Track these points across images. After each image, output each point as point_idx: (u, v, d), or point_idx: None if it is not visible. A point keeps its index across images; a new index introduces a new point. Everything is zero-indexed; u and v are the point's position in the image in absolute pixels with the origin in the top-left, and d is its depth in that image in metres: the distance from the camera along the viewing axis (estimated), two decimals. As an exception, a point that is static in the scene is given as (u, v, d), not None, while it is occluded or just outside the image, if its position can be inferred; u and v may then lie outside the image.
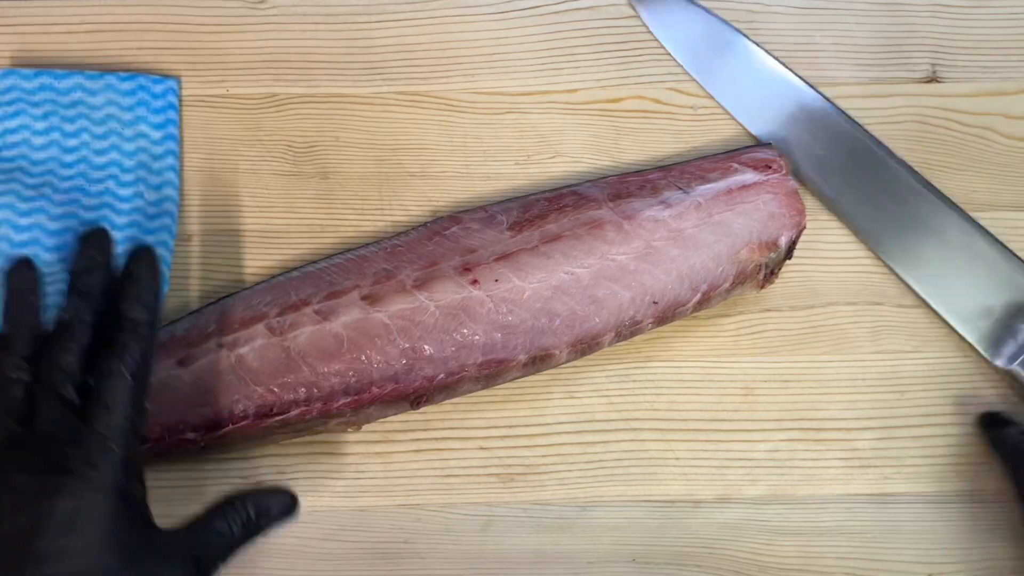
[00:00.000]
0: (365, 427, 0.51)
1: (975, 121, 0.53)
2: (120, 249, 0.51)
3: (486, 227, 0.49)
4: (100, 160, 0.51)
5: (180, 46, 0.53)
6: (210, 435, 0.47)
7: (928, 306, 0.52)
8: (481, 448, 0.52)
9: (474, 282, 0.47)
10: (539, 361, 0.49)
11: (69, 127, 0.51)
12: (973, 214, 0.52)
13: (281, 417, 0.47)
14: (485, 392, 0.51)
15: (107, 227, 0.48)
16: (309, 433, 0.49)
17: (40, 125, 0.51)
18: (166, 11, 0.53)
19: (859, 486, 0.51)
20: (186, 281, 0.52)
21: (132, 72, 0.52)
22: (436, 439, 0.51)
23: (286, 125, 0.53)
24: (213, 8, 0.53)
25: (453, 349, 0.47)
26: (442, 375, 0.47)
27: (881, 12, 0.54)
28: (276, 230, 0.52)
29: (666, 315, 0.49)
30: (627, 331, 0.49)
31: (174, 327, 0.49)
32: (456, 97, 0.53)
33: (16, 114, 0.51)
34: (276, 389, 0.47)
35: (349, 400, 0.47)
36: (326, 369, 0.47)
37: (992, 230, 0.52)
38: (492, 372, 0.48)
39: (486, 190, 0.52)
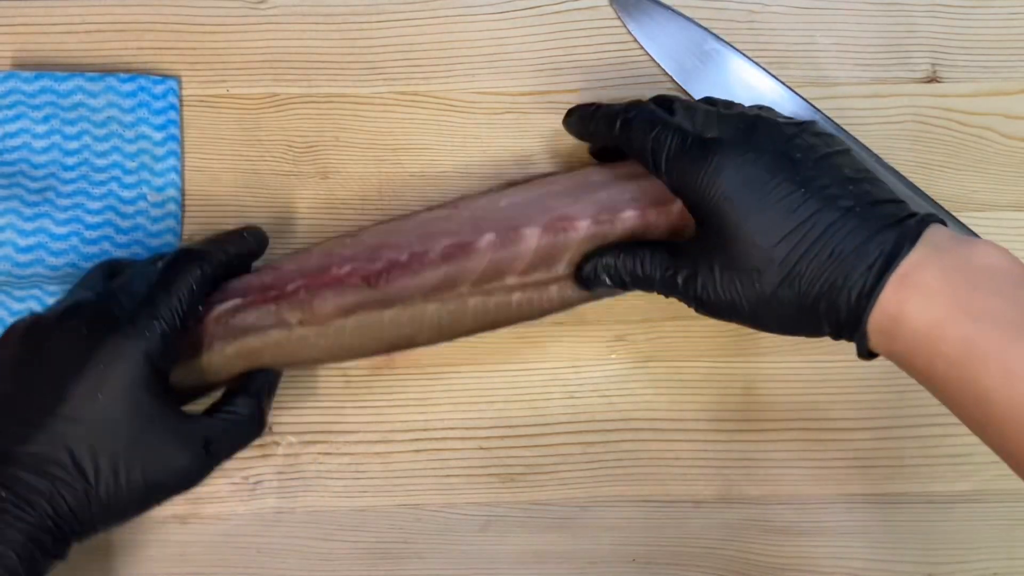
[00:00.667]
0: (365, 428, 0.51)
1: (975, 121, 0.53)
2: (125, 252, 0.51)
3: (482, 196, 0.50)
4: (102, 162, 0.51)
5: (180, 46, 0.53)
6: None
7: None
8: (481, 448, 0.52)
9: (455, 206, 0.48)
10: (507, 244, 0.46)
11: (70, 129, 0.51)
12: (973, 214, 0.52)
13: (238, 294, 0.46)
14: (485, 392, 0.51)
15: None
16: (270, 327, 0.47)
17: (41, 128, 0.51)
18: (166, 11, 0.53)
19: (859, 486, 0.51)
20: (186, 281, 0.52)
21: (132, 73, 0.52)
22: (436, 439, 0.52)
23: (286, 125, 0.53)
24: (213, 8, 0.53)
25: (419, 237, 0.47)
26: (405, 256, 0.46)
27: (881, 12, 0.54)
28: (276, 230, 0.52)
29: (647, 203, 0.46)
30: (606, 215, 0.46)
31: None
32: (456, 97, 0.53)
33: (17, 117, 0.51)
34: (250, 287, 0.47)
35: (303, 282, 0.47)
36: (292, 263, 0.48)
37: (992, 230, 0.52)
38: (457, 255, 0.46)
39: (486, 190, 0.52)
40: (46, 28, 0.53)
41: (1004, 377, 0.35)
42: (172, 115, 0.52)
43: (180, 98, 0.52)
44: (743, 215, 0.40)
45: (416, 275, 0.46)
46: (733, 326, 0.51)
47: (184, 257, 0.45)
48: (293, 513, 0.51)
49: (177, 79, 0.52)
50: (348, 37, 0.53)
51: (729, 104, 0.46)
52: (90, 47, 0.53)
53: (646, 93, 0.53)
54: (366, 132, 0.53)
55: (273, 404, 0.47)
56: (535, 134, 0.53)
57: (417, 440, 0.51)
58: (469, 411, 0.52)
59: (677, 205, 0.45)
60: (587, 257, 0.46)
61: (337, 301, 0.47)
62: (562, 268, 0.47)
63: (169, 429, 0.43)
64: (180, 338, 0.44)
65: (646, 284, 0.45)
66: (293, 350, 0.47)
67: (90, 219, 0.51)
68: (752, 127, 0.42)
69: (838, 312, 0.39)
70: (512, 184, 0.50)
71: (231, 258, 0.47)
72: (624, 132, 0.45)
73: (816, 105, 0.52)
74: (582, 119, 0.49)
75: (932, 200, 0.52)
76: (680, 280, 0.43)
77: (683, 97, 0.47)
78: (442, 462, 0.51)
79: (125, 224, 0.51)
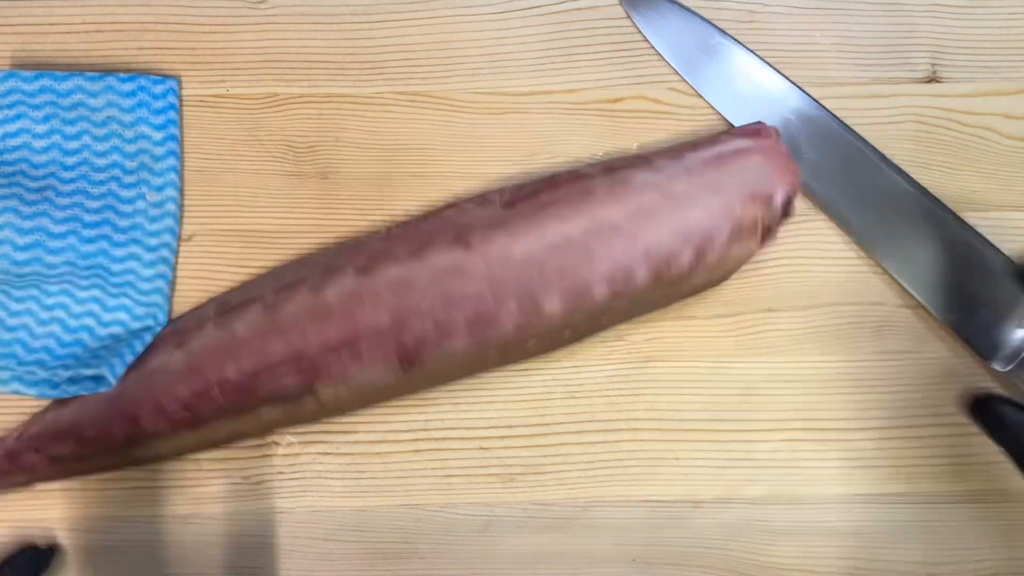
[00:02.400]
0: (365, 428, 0.51)
1: (975, 121, 0.53)
2: (123, 251, 0.51)
3: (480, 207, 0.49)
4: (102, 162, 0.51)
5: (180, 46, 0.53)
6: (201, 408, 0.47)
7: (925, 308, 0.52)
8: (481, 448, 0.52)
9: (467, 246, 0.47)
10: (532, 315, 0.47)
11: (70, 129, 0.51)
12: (973, 214, 0.52)
13: (270, 385, 0.47)
14: (486, 391, 0.51)
15: None
16: (297, 406, 0.48)
17: (41, 128, 0.51)
18: (166, 11, 0.53)
19: (859, 486, 0.51)
20: (187, 281, 0.52)
21: (132, 72, 0.52)
22: (436, 439, 0.51)
23: (286, 125, 0.53)
24: (213, 8, 0.53)
25: (443, 303, 0.47)
26: (431, 328, 0.47)
27: (881, 12, 0.54)
28: (276, 230, 0.52)
29: (661, 269, 0.48)
30: (622, 284, 0.47)
31: (176, 322, 0.50)
32: (456, 97, 0.53)
33: (17, 117, 0.51)
34: (263, 352, 0.47)
35: (337, 360, 0.47)
36: (314, 332, 0.47)
37: (992, 230, 0.52)
38: (484, 327, 0.47)
39: (486, 190, 0.52)
40: (46, 28, 0.53)
41: None
42: (172, 115, 0.52)
43: (180, 98, 0.52)
44: None
45: (444, 349, 0.47)
46: (733, 326, 0.52)
47: None
48: (293, 513, 0.51)
49: (177, 79, 0.52)
50: (348, 37, 0.53)
51: None
52: (90, 47, 0.53)
53: (646, 93, 0.53)
54: (366, 132, 0.53)
55: None
56: (535, 134, 0.53)
57: (417, 440, 0.51)
58: (469, 411, 0.52)
59: (686, 257, 0.47)
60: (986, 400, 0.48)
61: (370, 377, 0.48)
62: (580, 320, 0.48)
63: None
64: None
65: None
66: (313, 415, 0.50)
67: (88, 218, 0.51)
68: None
69: None
70: (516, 196, 0.49)
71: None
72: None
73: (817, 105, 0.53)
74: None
75: (933, 196, 0.52)
76: None
77: None
78: (442, 462, 0.51)
79: (123, 224, 0.51)
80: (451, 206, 0.50)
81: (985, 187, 0.53)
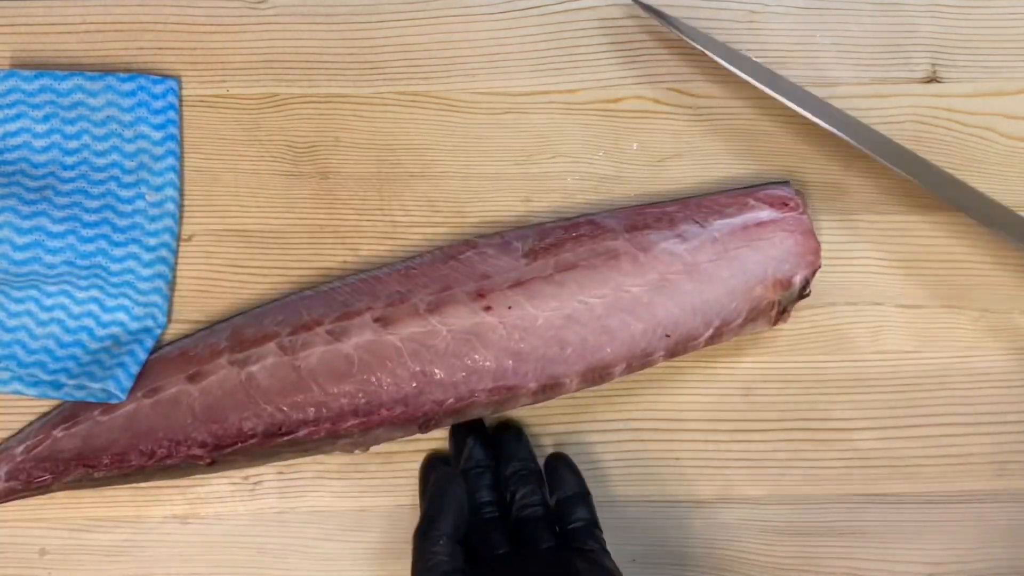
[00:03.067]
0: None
1: (975, 121, 0.53)
2: (122, 251, 0.51)
3: (501, 253, 0.49)
4: (101, 161, 0.51)
5: (180, 46, 0.53)
6: (218, 452, 0.47)
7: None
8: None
9: (487, 308, 0.47)
10: (549, 389, 0.48)
11: (70, 128, 0.51)
12: (973, 214, 0.53)
13: (290, 437, 0.47)
14: (485, 392, 0.51)
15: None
16: (316, 452, 0.49)
17: (41, 127, 0.51)
18: (166, 11, 0.53)
19: (859, 486, 0.51)
20: (187, 281, 0.52)
21: (132, 72, 0.52)
22: (436, 439, 0.51)
23: (286, 125, 0.53)
24: (213, 8, 0.53)
25: (463, 374, 0.47)
26: (452, 399, 0.47)
27: (881, 12, 0.54)
28: (276, 230, 0.52)
29: (678, 348, 0.48)
30: (638, 363, 0.48)
31: (184, 343, 0.50)
32: (456, 97, 0.53)
33: (17, 116, 0.51)
34: (286, 408, 0.47)
35: (358, 421, 0.47)
36: (336, 390, 0.47)
37: (992, 230, 0.52)
38: (502, 398, 0.47)
39: (486, 190, 0.52)
40: (46, 28, 0.53)
41: None
42: (171, 115, 0.52)
43: (180, 98, 0.52)
44: None
45: (463, 414, 0.48)
46: (733, 326, 0.51)
47: None
48: (293, 513, 0.51)
49: (177, 79, 0.52)
50: (348, 37, 0.53)
51: None
52: (90, 47, 0.53)
53: (646, 93, 0.53)
54: (366, 132, 0.53)
55: None
56: (535, 134, 0.53)
57: (417, 440, 0.51)
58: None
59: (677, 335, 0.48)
60: None
61: (388, 436, 0.49)
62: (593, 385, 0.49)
63: None
64: None
65: None
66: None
67: (87, 217, 0.51)
68: None
69: None
70: (537, 246, 0.49)
71: None
72: None
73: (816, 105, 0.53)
74: None
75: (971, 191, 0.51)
76: None
77: None
78: (442, 462, 0.51)
79: (122, 223, 0.51)
80: (470, 246, 0.50)
81: (985, 187, 0.53)
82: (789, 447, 0.52)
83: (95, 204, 0.51)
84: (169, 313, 0.51)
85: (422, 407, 0.47)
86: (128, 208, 0.51)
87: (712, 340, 0.49)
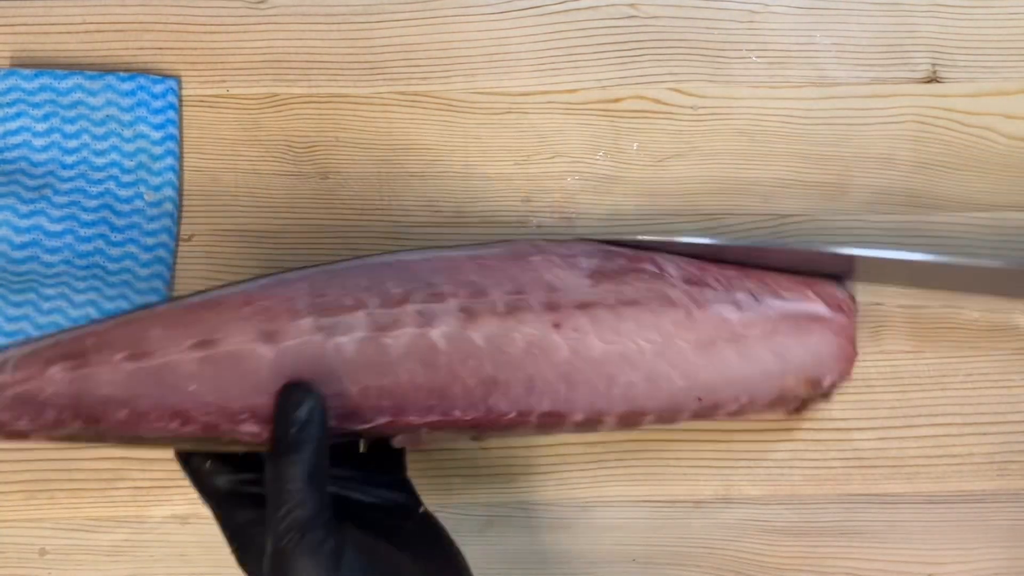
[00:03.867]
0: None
1: (975, 121, 0.53)
2: (119, 251, 0.51)
3: (567, 266, 0.47)
4: (100, 161, 0.51)
5: (180, 46, 0.53)
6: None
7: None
8: (481, 448, 0.52)
9: (556, 325, 0.45)
10: (588, 424, 0.46)
11: (69, 128, 0.51)
12: (973, 214, 0.52)
13: (364, 428, 0.43)
14: (485, 392, 0.51)
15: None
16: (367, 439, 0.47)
17: (41, 126, 0.51)
18: (166, 11, 0.53)
19: (859, 486, 0.51)
20: (187, 281, 0.52)
21: (132, 72, 0.52)
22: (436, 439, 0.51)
23: (286, 125, 0.53)
24: (213, 8, 0.53)
25: (524, 389, 0.44)
26: (513, 414, 0.44)
27: (881, 12, 0.54)
28: (276, 230, 0.52)
29: (701, 413, 0.47)
30: (665, 418, 0.47)
31: (247, 288, 0.43)
32: (456, 97, 0.53)
33: (17, 115, 0.51)
34: (371, 392, 0.42)
35: (434, 419, 0.43)
36: (422, 381, 0.43)
37: (992, 230, 0.52)
38: (550, 423, 0.46)
39: (486, 190, 0.52)
40: (46, 28, 0.53)
41: None
42: (171, 115, 0.52)
43: (180, 98, 0.52)
44: None
45: (512, 432, 0.46)
46: (733, 326, 0.51)
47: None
48: (293, 513, 0.51)
49: (177, 79, 0.52)
50: (348, 37, 0.53)
51: None
52: (90, 47, 0.53)
53: (646, 93, 0.53)
54: (366, 132, 0.53)
55: None
56: (535, 134, 0.53)
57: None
58: (469, 411, 0.52)
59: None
60: None
61: (445, 439, 0.46)
62: None
63: None
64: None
65: None
66: None
67: (86, 217, 0.51)
68: None
69: None
70: (602, 269, 0.47)
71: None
72: None
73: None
74: None
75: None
76: None
77: None
78: (442, 462, 0.51)
79: (120, 223, 0.51)
80: (536, 248, 0.48)
81: (985, 187, 0.53)
82: (789, 447, 0.52)
83: (93, 203, 0.51)
84: None
85: (488, 415, 0.44)
86: (127, 208, 0.51)
87: (732, 415, 0.48)
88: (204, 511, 0.51)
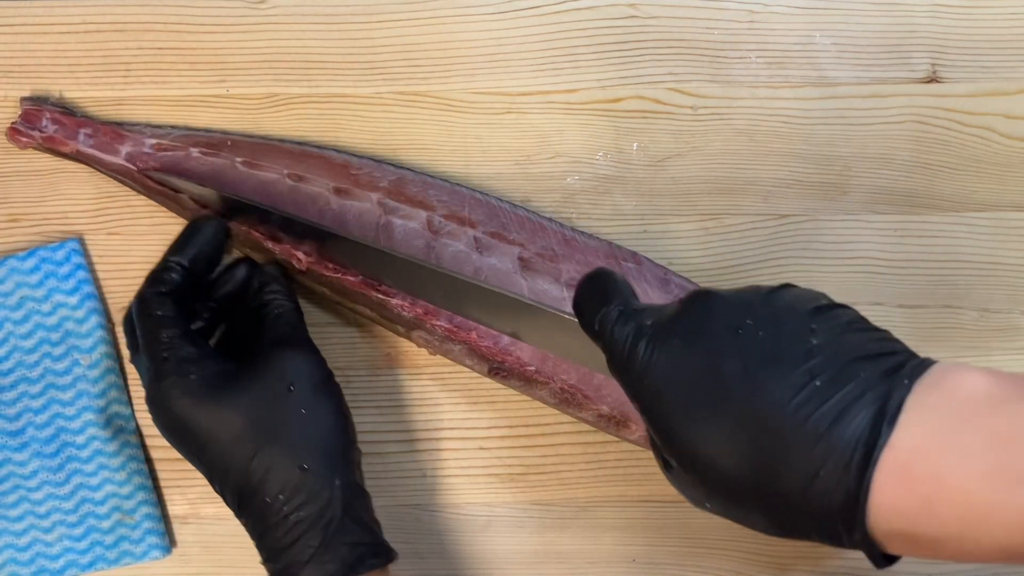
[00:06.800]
0: (365, 427, 0.51)
1: (975, 121, 0.53)
2: (80, 422, 0.50)
3: (658, 287, 0.50)
4: (29, 343, 0.50)
5: (180, 46, 0.53)
6: (315, 263, 0.48)
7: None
8: (481, 448, 0.52)
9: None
10: (613, 423, 0.48)
11: None
12: (973, 214, 0.52)
13: (382, 297, 0.48)
14: (485, 392, 0.52)
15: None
16: (392, 326, 0.51)
17: None
18: (166, 11, 0.53)
19: (859, 486, 0.51)
20: (186, 281, 0.52)
21: (31, 247, 0.51)
22: (436, 439, 0.52)
23: (286, 125, 0.53)
24: (213, 8, 0.53)
25: (553, 358, 0.48)
26: (533, 368, 0.48)
27: (881, 12, 0.54)
28: (276, 230, 0.52)
29: None
30: None
31: (348, 157, 0.51)
32: (456, 97, 0.53)
33: None
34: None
35: (449, 327, 0.48)
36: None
37: (992, 230, 0.52)
38: (571, 400, 0.48)
39: (486, 190, 0.52)
40: (46, 28, 0.53)
41: None
42: (82, 275, 0.51)
43: (86, 253, 0.51)
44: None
45: (533, 390, 0.49)
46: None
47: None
48: (293, 513, 0.51)
49: (77, 239, 0.51)
50: (348, 37, 0.53)
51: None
52: (90, 47, 0.53)
53: (646, 93, 0.53)
54: (366, 132, 0.53)
55: None
56: (535, 134, 0.53)
57: (417, 440, 0.51)
58: (469, 411, 0.52)
59: None
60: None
61: (460, 357, 0.50)
62: None
63: None
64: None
65: None
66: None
67: (36, 404, 0.50)
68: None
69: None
70: None
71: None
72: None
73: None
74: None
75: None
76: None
77: None
78: (442, 462, 0.51)
79: (68, 396, 0.50)
80: (636, 260, 0.51)
81: (985, 187, 0.53)
82: (789, 447, 0.52)
83: (37, 388, 0.50)
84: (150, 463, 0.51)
85: (506, 356, 0.48)
86: (68, 379, 0.50)
87: None
88: (204, 511, 0.51)
